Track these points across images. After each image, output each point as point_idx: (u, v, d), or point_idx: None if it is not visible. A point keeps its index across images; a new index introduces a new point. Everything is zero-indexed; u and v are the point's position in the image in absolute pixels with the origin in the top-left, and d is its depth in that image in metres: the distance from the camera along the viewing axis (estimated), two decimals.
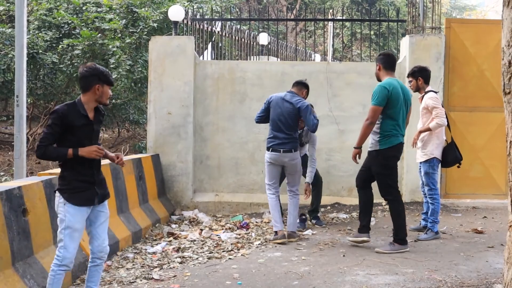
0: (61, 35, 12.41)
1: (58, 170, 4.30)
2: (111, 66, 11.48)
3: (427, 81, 6.73)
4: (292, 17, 10.76)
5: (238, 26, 11.71)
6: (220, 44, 11.27)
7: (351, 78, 8.83)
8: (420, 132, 6.70)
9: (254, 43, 13.14)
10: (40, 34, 12.23)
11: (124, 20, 11.96)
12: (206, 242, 6.72)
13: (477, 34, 8.84)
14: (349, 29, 18.70)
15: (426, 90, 6.71)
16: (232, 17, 11.08)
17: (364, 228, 6.35)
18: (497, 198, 8.75)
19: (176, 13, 8.91)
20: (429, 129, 6.61)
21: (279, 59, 13.81)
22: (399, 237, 6.12)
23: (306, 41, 16.50)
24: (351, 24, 12.34)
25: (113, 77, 11.35)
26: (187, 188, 8.66)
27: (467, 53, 8.82)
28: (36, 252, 4.85)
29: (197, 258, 6.01)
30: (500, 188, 8.80)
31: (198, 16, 9.85)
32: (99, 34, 11.78)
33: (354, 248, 6.30)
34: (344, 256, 5.98)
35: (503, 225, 7.33)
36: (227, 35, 10.87)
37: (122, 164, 4.43)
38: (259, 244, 6.55)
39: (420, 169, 6.90)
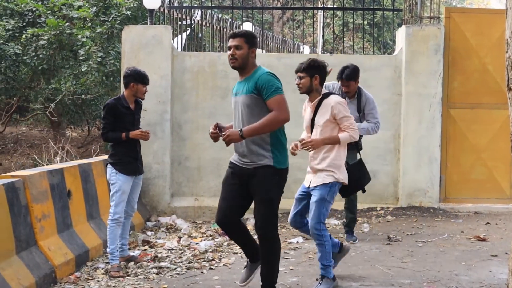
0: (24, 23, 12.28)
1: (21, 173, 5.07)
2: (80, 58, 11.40)
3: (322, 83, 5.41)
4: (279, 5, 10.75)
5: (220, 15, 11.69)
6: (200, 35, 11.24)
7: None
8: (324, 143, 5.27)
9: None
10: (1, 22, 12.10)
11: (95, 8, 11.88)
12: (184, 251, 6.70)
13: (479, 24, 8.90)
14: (340, 18, 18.75)
15: (323, 92, 5.35)
16: (213, 5, 11.07)
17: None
18: (501, 202, 8.82)
19: (152, 0, 8.86)
20: (338, 141, 5.23)
21: (264, 51, 13.80)
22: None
23: (294, 31, 16.52)
24: (343, 13, 12.37)
25: (83, 70, 11.32)
26: (164, 192, 8.62)
27: (468, 45, 8.89)
28: None
29: (175, 269, 5.99)
30: (504, 191, 8.87)
31: (176, 4, 9.82)
32: (67, 23, 11.68)
33: (346, 258, 6.30)
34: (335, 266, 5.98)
35: (508, 232, 7.40)
36: (207, 24, 10.84)
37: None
38: (242, 253, 6.53)
39: (304, 196, 5.44)
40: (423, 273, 5.71)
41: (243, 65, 4.82)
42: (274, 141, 4.78)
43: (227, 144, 4.71)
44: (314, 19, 18.35)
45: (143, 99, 6.21)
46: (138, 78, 6.01)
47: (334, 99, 5.26)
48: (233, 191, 4.90)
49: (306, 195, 5.38)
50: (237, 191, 4.89)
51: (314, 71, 5.31)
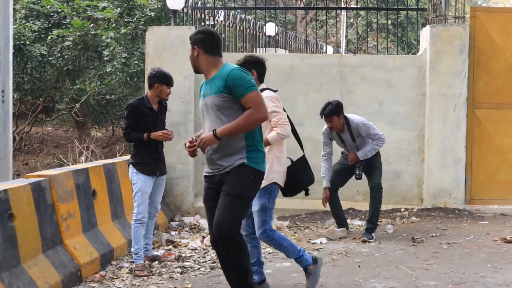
0: (50, 25, 12.42)
1: (47, 172, 5.23)
2: (105, 58, 11.50)
3: (261, 78, 5.31)
4: (302, 5, 10.74)
5: (243, 16, 11.69)
6: (223, 35, 11.26)
7: (367, 72, 8.80)
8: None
9: (261, 34, 13.12)
10: (27, 24, 12.25)
11: (119, 9, 11.97)
12: (208, 251, 6.71)
13: (505, 23, 8.80)
14: (364, 18, 18.66)
15: (260, 88, 5.07)
16: (236, 6, 11.09)
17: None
18: None
19: (175, 1, 8.90)
20: (267, 143, 5.01)
21: (287, 52, 13.79)
22: None
23: (317, 31, 16.48)
24: (366, 13, 12.34)
25: (107, 70, 11.41)
26: (187, 192, 8.65)
27: (494, 45, 8.78)
28: (24, 262, 4.85)
29: (198, 268, 6.00)
30: None
31: (199, 4, 9.84)
32: (92, 24, 11.79)
33: (370, 258, 6.28)
34: (359, 267, 5.96)
35: None
36: (231, 25, 10.85)
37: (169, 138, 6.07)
38: (266, 254, 6.54)
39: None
40: (448, 275, 5.65)
41: (196, 67, 4.50)
42: (249, 142, 4.32)
43: (203, 150, 4.28)
44: (338, 19, 18.30)
45: (167, 100, 6.20)
46: (162, 79, 6.01)
47: (265, 94, 4.98)
48: (216, 207, 4.35)
49: None
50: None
51: (250, 66, 5.03)
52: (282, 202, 8.54)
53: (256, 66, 5.13)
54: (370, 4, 14.43)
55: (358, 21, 14.95)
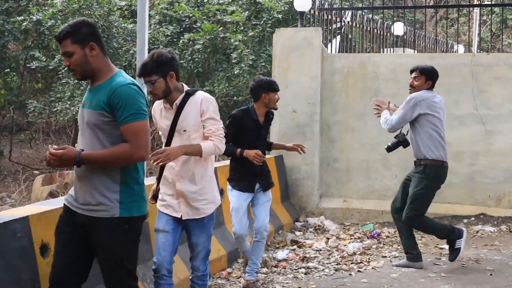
0: (182, 29, 12.91)
1: None
2: (233, 61, 11.79)
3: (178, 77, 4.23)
4: (432, 3, 10.44)
5: (370, 16, 11.55)
6: (350, 36, 11.19)
7: (501, 71, 8.41)
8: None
9: (388, 34, 12.90)
10: (161, 28, 12.81)
11: (247, 12, 12.22)
12: (332, 252, 6.71)
13: None
14: (498, 15, 17.82)
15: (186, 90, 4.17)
16: (363, 6, 10.98)
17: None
18: None
19: (302, 2, 8.96)
20: (200, 153, 4.18)
21: (416, 51, 13.45)
22: None
23: (448, 30, 15.95)
24: (502, 9, 11.76)
25: (235, 72, 11.70)
26: (312, 192, 8.68)
27: None
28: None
29: (323, 270, 6.01)
30: None
31: (326, 5, 9.85)
32: (221, 28, 12.13)
33: (504, 267, 6.00)
34: (491, 275, 5.71)
35: None
36: (357, 25, 10.75)
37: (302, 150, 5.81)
38: (392, 257, 6.43)
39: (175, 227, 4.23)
40: None
41: (87, 73, 3.41)
42: (125, 178, 3.40)
43: (54, 165, 3.30)
44: (470, 16, 17.59)
45: (276, 109, 5.58)
46: (267, 87, 5.42)
47: (202, 94, 4.13)
48: (68, 244, 3.46)
49: (177, 227, 4.19)
50: (73, 244, 3.46)
51: (165, 68, 4.01)
52: None
53: (172, 67, 4.01)
54: (506, 0, 13.78)
55: (492, 18, 14.30)
